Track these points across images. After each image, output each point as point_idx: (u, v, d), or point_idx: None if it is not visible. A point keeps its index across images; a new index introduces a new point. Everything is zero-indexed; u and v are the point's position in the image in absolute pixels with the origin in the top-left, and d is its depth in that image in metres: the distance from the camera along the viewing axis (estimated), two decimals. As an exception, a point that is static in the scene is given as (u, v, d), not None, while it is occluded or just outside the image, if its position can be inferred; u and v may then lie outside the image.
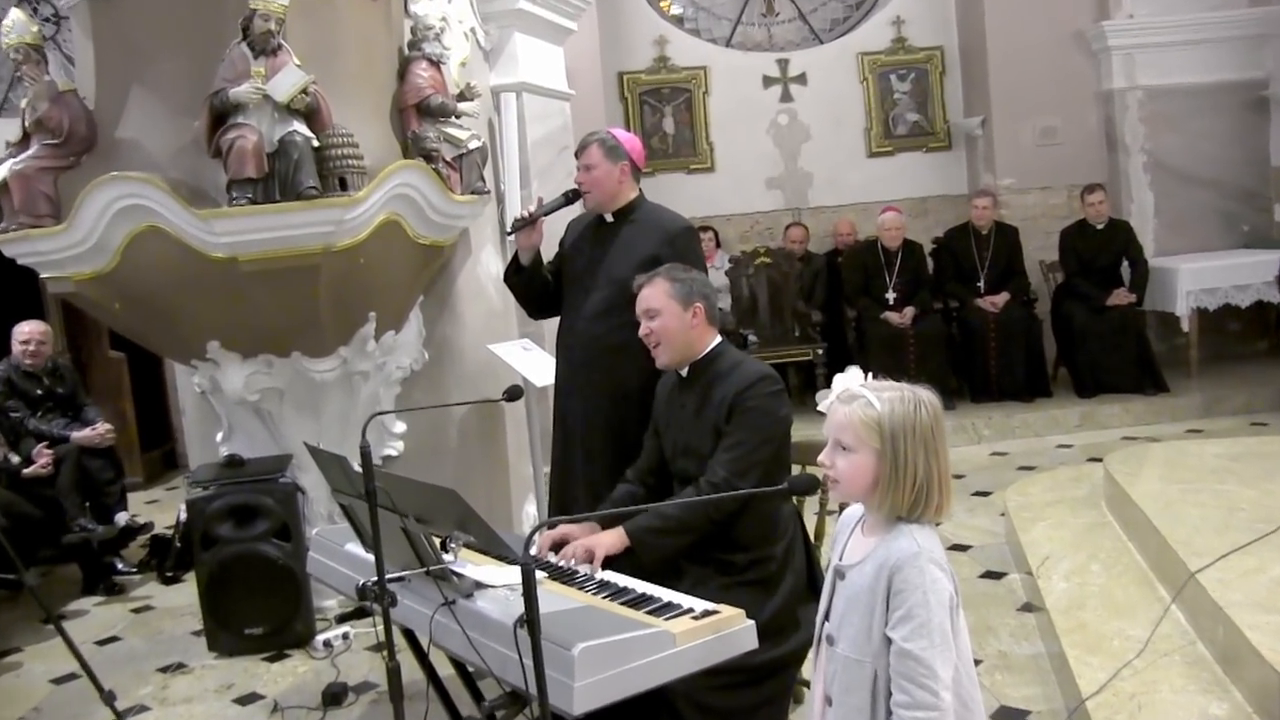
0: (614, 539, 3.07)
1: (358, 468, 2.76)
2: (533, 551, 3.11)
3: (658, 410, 3.45)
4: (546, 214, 4.13)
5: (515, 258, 4.19)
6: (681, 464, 3.29)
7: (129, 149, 4.38)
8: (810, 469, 2.85)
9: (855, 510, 2.38)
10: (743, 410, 3.11)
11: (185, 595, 5.54)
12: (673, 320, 3.26)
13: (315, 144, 4.21)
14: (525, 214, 4.10)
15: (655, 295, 3.29)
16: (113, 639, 5.10)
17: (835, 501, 2.60)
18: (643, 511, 3.12)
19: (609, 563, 3.03)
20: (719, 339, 3.33)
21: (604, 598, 2.71)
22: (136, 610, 5.50)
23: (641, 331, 3.33)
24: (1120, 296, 7.93)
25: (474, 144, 4.89)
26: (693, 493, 3.10)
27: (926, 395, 2.18)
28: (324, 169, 4.22)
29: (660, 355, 3.31)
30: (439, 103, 4.69)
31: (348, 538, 3.30)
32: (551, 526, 3.31)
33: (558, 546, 3.17)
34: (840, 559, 2.32)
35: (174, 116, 4.31)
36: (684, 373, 3.32)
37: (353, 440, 3.93)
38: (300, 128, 4.18)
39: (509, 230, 4.20)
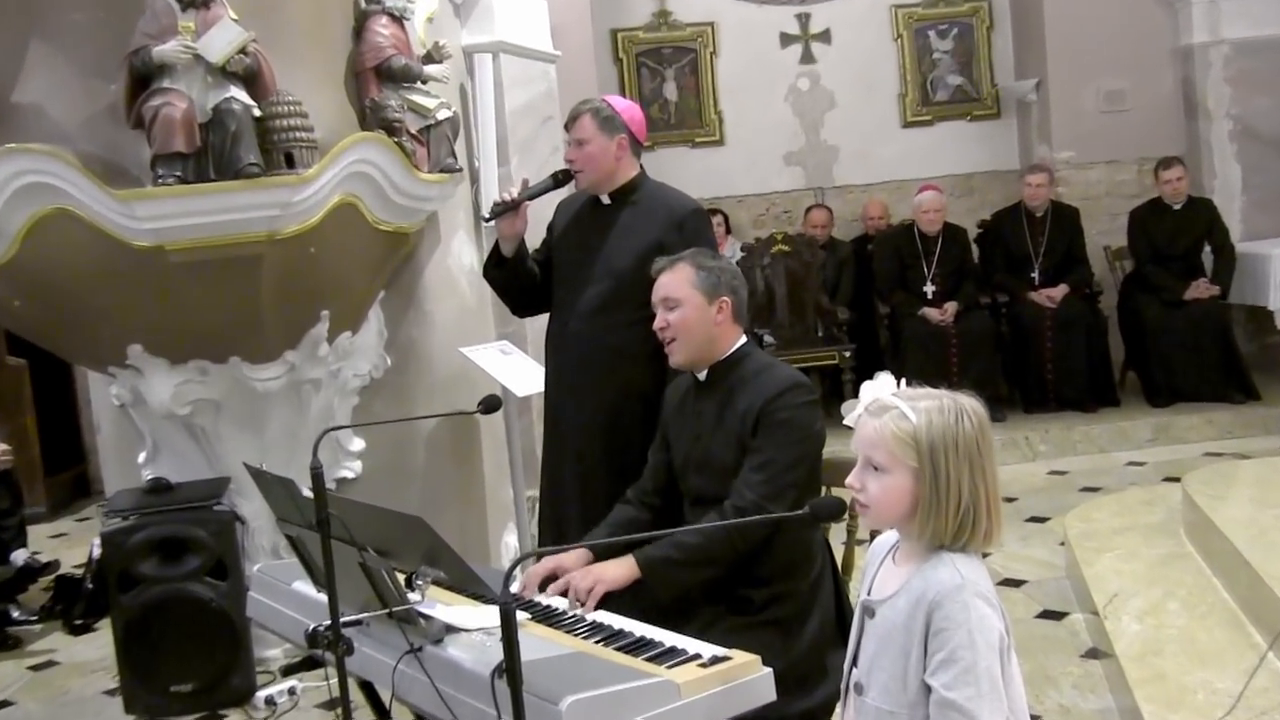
0: (622, 570, 3.07)
1: (308, 492, 2.76)
2: (514, 588, 3.11)
3: (667, 419, 3.46)
4: (532, 198, 4.16)
5: (496, 248, 4.21)
6: (695, 481, 3.30)
7: (30, 116, 4.35)
8: (837, 491, 2.86)
9: (887, 538, 2.40)
10: (773, 423, 3.12)
11: (97, 647, 5.50)
12: (694, 314, 3.29)
13: (256, 113, 4.21)
14: (507, 197, 4.12)
15: (677, 283, 3.32)
16: (4, 704, 5.04)
17: (866, 529, 2.60)
18: (648, 540, 3.12)
19: (605, 600, 3.02)
20: (744, 339, 3.36)
21: (597, 642, 2.71)
22: (36, 667, 5.44)
23: (657, 324, 3.35)
24: (1201, 288, 7.95)
25: (443, 114, 4.90)
26: (715, 518, 3.10)
27: (970, 404, 2.20)
28: (267, 142, 4.23)
29: (675, 353, 3.34)
30: (402, 65, 4.70)
31: (295, 575, 3.28)
32: (537, 559, 3.31)
33: (547, 583, 3.16)
34: (869, 593, 2.33)
35: (85, 78, 4.30)
36: (702, 376, 3.35)
37: (302, 460, 3.91)
38: (238, 94, 4.18)
39: (488, 216, 4.23)
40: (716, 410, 3.27)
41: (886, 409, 2.20)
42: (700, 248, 3.53)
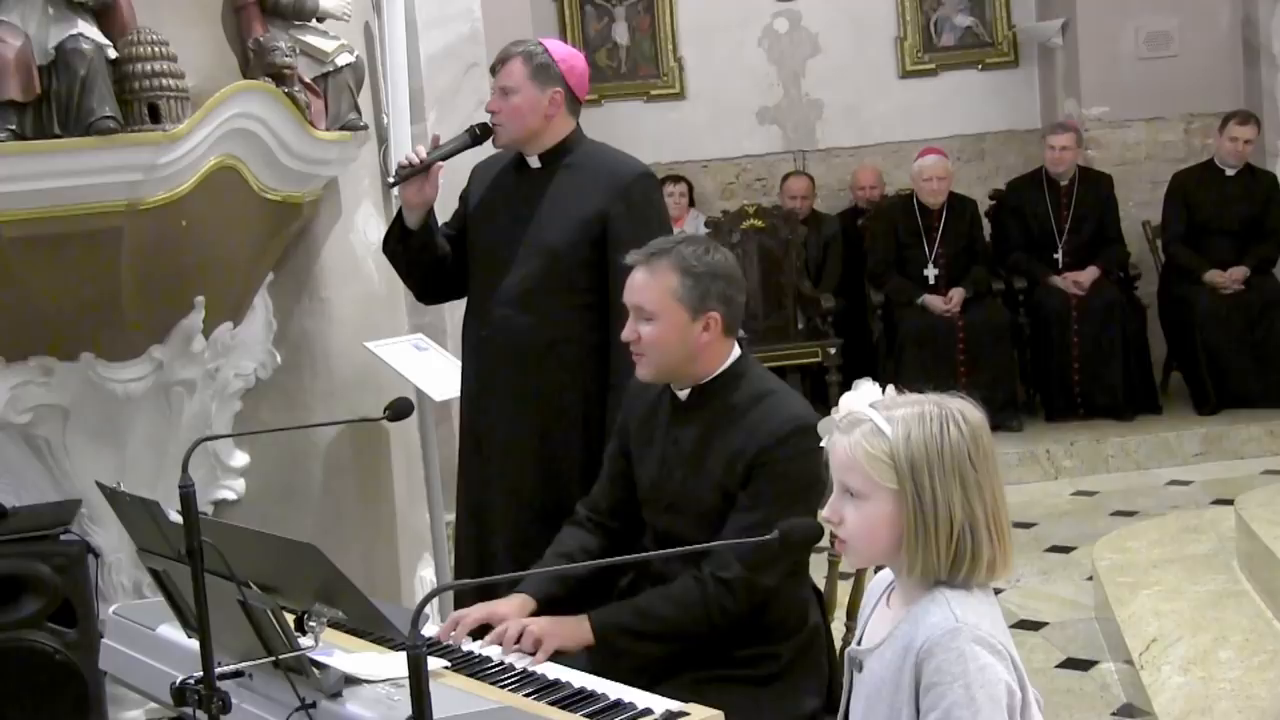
0: (573, 631, 3.08)
1: (176, 516, 2.75)
2: (428, 631, 3.12)
3: (630, 427, 3.46)
4: (445, 158, 4.16)
5: (399, 218, 4.20)
6: (664, 520, 3.31)
7: None
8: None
9: (885, 576, 2.42)
10: (770, 476, 3.13)
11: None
12: (671, 333, 3.21)
13: (111, 54, 4.16)
14: (414, 158, 4.11)
15: (654, 292, 3.22)
16: None
17: (851, 566, 2.63)
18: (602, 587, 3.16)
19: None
20: (737, 353, 3.31)
21: (527, 695, 2.72)
22: None
23: (626, 333, 3.29)
24: (1231, 275, 7.93)
25: (344, 59, 4.88)
26: (693, 585, 3.11)
27: (960, 408, 2.23)
28: (125, 91, 4.19)
29: (642, 366, 3.29)
30: (292, -2, 4.70)
31: (161, 617, 3.28)
32: (459, 600, 3.31)
33: (480, 633, 3.16)
34: (859, 642, 2.36)
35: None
36: (682, 395, 3.32)
37: (170, 479, 3.91)
38: (88, 30, 4.12)
39: (392, 181, 4.23)
40: (697, 442, 3.27)
41: (858, 424, 2.22)
42: (693, 239, 3.42)
